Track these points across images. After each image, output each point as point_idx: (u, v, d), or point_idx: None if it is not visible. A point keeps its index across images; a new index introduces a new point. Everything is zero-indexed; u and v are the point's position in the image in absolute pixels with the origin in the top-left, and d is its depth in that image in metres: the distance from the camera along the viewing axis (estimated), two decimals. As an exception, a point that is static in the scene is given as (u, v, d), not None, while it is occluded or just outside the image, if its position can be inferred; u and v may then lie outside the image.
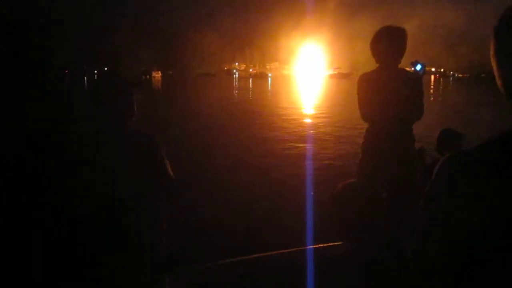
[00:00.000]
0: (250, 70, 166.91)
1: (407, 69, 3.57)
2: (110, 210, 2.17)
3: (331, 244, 3.66)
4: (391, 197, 3.51)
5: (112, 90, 2.27)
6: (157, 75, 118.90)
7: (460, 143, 3.77)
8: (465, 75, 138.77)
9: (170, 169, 2.38)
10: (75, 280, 2.20)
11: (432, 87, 62.56)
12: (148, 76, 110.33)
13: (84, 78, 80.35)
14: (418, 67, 3.58)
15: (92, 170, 2.17)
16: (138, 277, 2.26)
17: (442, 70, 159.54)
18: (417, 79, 3.56)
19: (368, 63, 3.71)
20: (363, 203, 3.38)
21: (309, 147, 13.15)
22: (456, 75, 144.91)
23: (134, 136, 2.31)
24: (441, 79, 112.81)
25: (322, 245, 3.70)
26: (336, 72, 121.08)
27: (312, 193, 7.91)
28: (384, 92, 3.43)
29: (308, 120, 20.56)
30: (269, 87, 62.28)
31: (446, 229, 0.94)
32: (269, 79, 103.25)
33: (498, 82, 0.99)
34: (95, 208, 2.17)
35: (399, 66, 3.49)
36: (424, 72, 3.54)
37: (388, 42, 3.42)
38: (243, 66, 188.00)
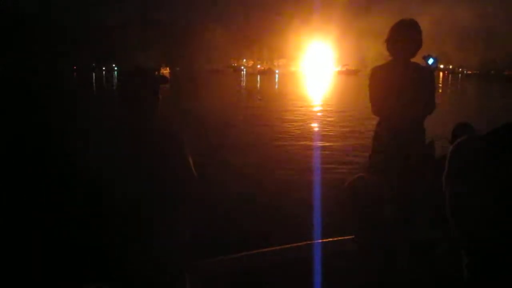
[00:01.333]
0: (258, 66, 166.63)
1: (419, 63, 3.57)
2: (132, 207, 2.17)
3: (341, 238, 3.68)
4: (402, 191, 3.52)
5: (137, 86, 2.28)
6: (165, 71, 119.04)
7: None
8: (474, 72, 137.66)
9: (194, 167, 2.36)
10: (77, 277, 2.21)
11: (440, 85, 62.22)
12: (156, 73, 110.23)
13: (92, 75, 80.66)
14: (430, 61, 3.58)
15: (113, 167, 2.17)
16: (157, 273, 2.25)
17: (451, 67, 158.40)
18: (430, 73, 3.55)
19: (377, 60, 3.70)
20: (373, 198, 3.40)
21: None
22: (465, 72, 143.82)
23: (158, 132, 2.30)
24: (450, 76, 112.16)
25: (332, 239, 3.72)
26: (344, 69, 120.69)
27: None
28: (396, 86, 3.42)
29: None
30: (276, 86, 62.12)
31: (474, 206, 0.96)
32: (276, 75, 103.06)
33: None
34: (117, 205, 2.18)
35: (412, 60, 3.49)
36: (437, 66, 3.53)
37: (404, 35, 3.41)
38: (250, 63, 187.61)
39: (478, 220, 0.93)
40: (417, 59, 3.54)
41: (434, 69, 3.57)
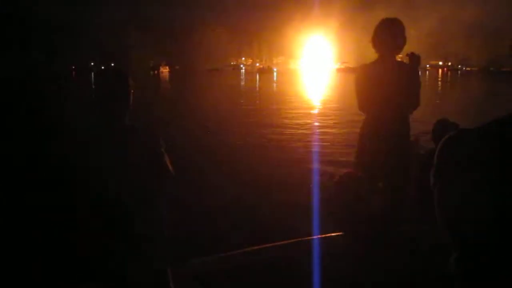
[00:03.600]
0: (257, 64, 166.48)
1: (404, 60, 3.63)
2: (110, 207, 2.20)
3: (331, 234, 3.72)
4: (388, 186, 3.58)
5: (109, 85, 2.33)
6: (165, 70, 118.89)
7: None
8: (473, 68, 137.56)
9: (170, 165, 2.39)
10: (77, 277, 2.24)
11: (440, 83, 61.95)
12: (156, 72, 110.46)
13: (91, 74, 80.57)
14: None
15: (89, 167, 2.20)
16: (141, 272, 2.28)
17: (449, 63, 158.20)
18: (414, 70, 3.61)
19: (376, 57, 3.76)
20: (360, 193, 3.44)
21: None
22: (464, 68, 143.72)
23: (132, 131, 2.33)
24: (449, 73, 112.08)
25: (321, 236, 3.75)
26: (343, 66, 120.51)
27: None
28: (382, 83, 3.49)
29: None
30: (275, 85, 62.06)
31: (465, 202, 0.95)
32: (275, 73, 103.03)
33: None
34: (94, 205, 2.20)
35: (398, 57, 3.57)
36: (419, 64, 3.59)
37: (387, 34, 3.49)
38: (249, 61, 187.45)
39: (470, 218, 0.92)
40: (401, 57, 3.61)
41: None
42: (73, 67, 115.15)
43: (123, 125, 2.33)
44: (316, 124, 17.58)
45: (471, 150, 0.95)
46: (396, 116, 3.52)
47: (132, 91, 2.37)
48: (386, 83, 3.48)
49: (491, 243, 0.89)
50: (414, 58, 3.56)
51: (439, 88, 45.92)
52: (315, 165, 10.08)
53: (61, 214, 2.27)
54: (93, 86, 2.38)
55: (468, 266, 0.93)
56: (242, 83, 59.45)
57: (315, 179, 8.70)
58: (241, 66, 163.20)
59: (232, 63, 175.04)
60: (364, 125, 3.68)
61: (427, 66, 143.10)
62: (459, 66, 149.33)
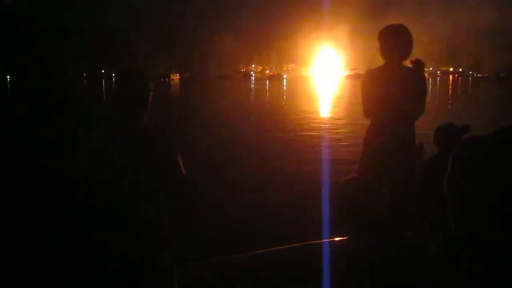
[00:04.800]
0: (267, 71, 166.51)
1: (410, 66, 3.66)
2: (121, 205, 2.22)
3: (337, 239, 3.74)
4: (392, 192, 3.60)
5: (131, 87, 2.38)
6: (175, 77, 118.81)
7: (460, 136, 3.81)
8: (484, 74, 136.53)
9: (183, 166, 2.38)
10: (85, 275, 2.27)
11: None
12: (166, 79, 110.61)
13: (102, 81, 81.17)
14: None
15: (102, 166, 2.22)
16: (149, 271, 2.30)
17: (460, 70, 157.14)
18: (420, 77, 3.64)
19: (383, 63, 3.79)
20: (364, 198, 3.47)
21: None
22: (475, 74, 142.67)
23: (147, 131, 2.35)
24: (460, 79, 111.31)
25: (326, 240, 3.78)
26: (353, 73, 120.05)
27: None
28: (387, 89, 3.51)
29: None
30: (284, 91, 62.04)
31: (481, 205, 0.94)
32: (284, 81, 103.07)
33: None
34: (105, 203, 2.22)
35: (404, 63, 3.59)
36: (424, 70, 3.61)
37: (392, 40, 3.51)
38: (259, 68, 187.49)
39: (487, 223, 0.91)
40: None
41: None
42: (84, 74, 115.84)
43: (141, 125, 2.37)
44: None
45: (487, 154, 0.94)
46: (401, 122, 3.54)
47: (152, 93, 2.42)
48: (391, 89, 3.50)
49: (506, 245, 0.88)
50: (419, 65, 3.58)
51: (449, 96, 45.48)
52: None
53: (70, 211, 2.31)
54: (114, 87, 2.42)
55: (484, 273, 0.92)
56: (252, 91, 59.54)
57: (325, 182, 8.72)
58: (251, 73, 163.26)
59: (242, 70, 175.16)
60: (369, 131, 3.71)
61: (438, 72, 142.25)
62: (470, 72, 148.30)
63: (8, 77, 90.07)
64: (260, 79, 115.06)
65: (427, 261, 3.26)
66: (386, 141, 3.55)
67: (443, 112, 20.14)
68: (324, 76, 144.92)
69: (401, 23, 3.57)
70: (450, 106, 26.27)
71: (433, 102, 27.16)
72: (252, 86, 69.40)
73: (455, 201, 0.97)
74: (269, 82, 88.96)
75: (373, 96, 3.61)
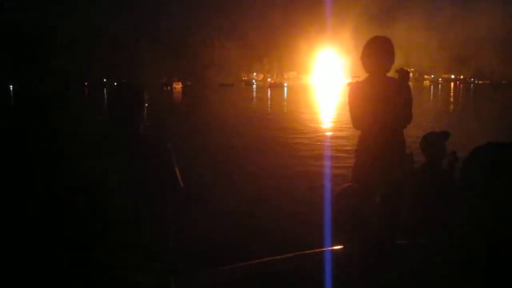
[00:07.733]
0: (268, 80, 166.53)
1: (395, 76, 3.72)
2: (118, 215, 2.25)
3: (333, 248, 3.79)
4: (384, 200, 3.65)
5: (123, 98, 2.42)
6: (178, 86, 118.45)
7: (445, 144, 3.89)
8: (485, 81, 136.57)
9: (180, 176, 2.43)
10: (82, 283, 2.30)
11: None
12: (169, 88, 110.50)
13: (103, 90, 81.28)
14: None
15: (99, 176, 2.25)
16: (144, 282, 2.33)
17: (461, 77, 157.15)
18: (406, 86, 3.69)
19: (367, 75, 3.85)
20: (358, 207, 3.54)
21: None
22: (477, 81, 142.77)
23: (144, 142, 2.39)
24: (461, 86, 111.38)
25: (321, 249, 3.82)
26: (354, 81, 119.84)
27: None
28: (373, 100, 3.58)
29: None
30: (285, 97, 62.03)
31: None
32: (285, 89, 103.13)
33: None
34: (102, 213, 2.25)
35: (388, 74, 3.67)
36: (409, 79, 3.69)
37: (375, 52, 3.61)
38: (261, 76, 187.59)
39: (504, 231, 0.92)
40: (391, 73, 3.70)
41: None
42: (86, 83, 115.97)
43: (137, 136, 2.41)
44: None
45: (501, 159, 0.96)
46: (387, 131, 3.60)
47: (146, 104, 2.46)
48: (375, 100, 3.57)
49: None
50: (403, 74, 3.65)
51: (451, 106, 45.28)
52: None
53: (67, 219, 2.36)
54: (108, 101, 2.48)
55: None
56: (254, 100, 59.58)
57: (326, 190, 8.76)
58: (253, 81, 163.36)
59: (244, 78, 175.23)
60: (359, 142, 3.78)
61: (440, 79, 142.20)
62: (472, 79, 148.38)
63: (11, 86, 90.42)
64: (261, 88, 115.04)
65: (424, 269, 3.31)
66: (374, 151, 3.62)
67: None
68: (326, 83, 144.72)
69: (384, 35, 3.66)
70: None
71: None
72: (254, 94, 69.50)
73: (470, 210, 1.01)
74: (270, 91, 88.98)
75: (359, 108, 3.69)
